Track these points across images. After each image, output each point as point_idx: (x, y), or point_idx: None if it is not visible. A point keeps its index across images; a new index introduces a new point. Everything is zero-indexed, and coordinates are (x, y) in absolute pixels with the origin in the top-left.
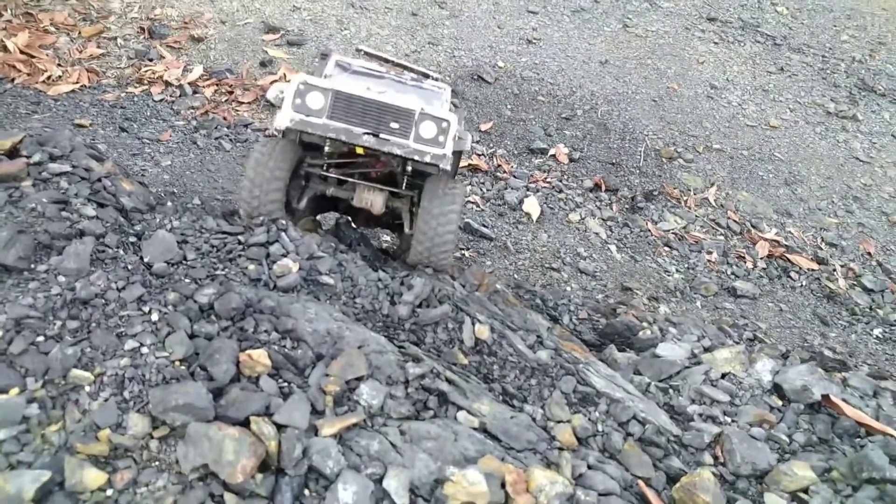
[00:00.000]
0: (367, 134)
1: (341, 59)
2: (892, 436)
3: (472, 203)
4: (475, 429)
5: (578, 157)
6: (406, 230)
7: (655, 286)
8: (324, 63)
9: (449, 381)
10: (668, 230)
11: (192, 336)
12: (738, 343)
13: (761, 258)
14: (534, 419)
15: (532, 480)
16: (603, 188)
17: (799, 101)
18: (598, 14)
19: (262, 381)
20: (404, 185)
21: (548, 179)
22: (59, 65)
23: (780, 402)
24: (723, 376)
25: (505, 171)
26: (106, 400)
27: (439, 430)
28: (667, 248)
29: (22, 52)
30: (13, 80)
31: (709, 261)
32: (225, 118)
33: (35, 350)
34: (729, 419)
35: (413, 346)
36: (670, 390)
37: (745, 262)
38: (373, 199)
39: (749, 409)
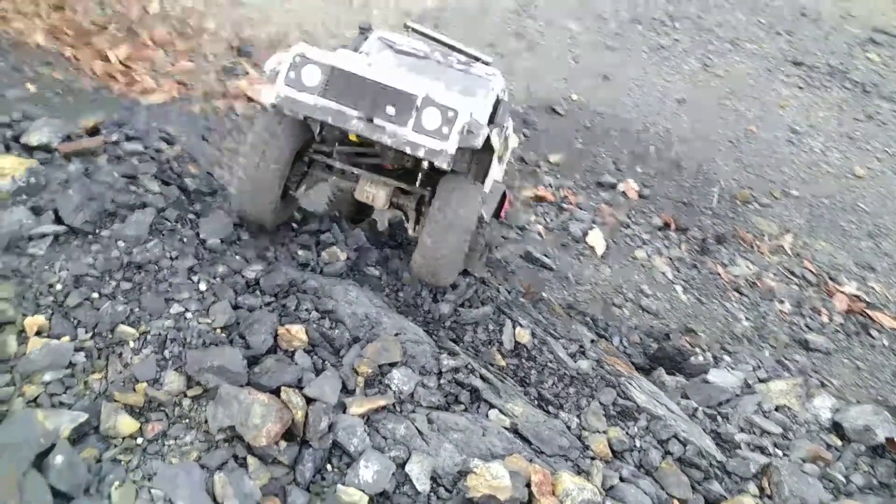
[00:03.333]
0: (360, 118)
1: (385, 35)
2: None
3: (536, 233)
4: (506, 428)
5: (648, 194)
6: (410, 232)
7: (721, 331)
8: (362, 38)
9: (483, 379)
10: (739, 275)
11: (235, 307)
12: (795, 376)
13: (839, 312)
14: (568, 427)
15: (559, 484)
16: (672, 227)
17: (888, 151)
18: (677, 52)
19: (298, 356)
20: (419, 181)
21: (615, 214)
22: (153, 77)
23: (839, 442)
24: (777, 409)
25: (571, 203)
26: (147, 356)
27: (468, 423)
28: (736, 294)
29: (122, 63)
30: (111, 88)
31: (780, 311)
32: None
33: (89, 305)
34: (780, 452)
35: (450, 342)
36: (719, 417)
37: (820, 315)
38: (375, 193)
39: (803, 444)
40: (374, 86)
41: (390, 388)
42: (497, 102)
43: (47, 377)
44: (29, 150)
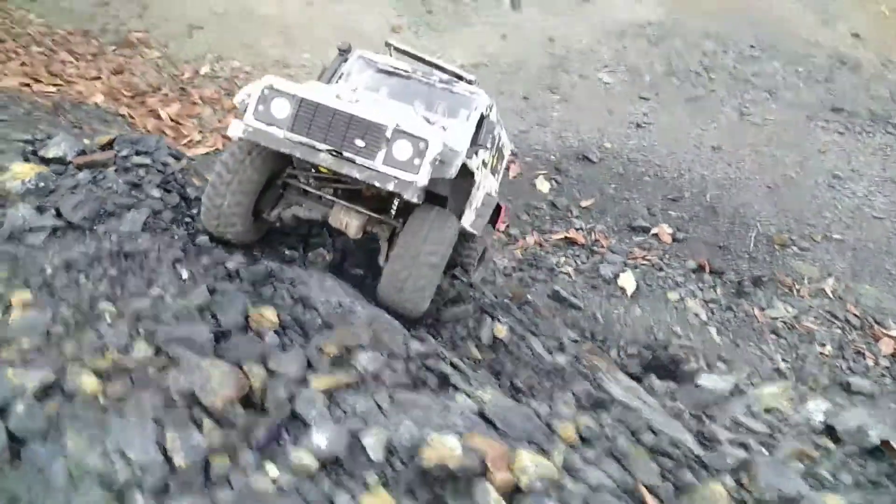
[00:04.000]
0: (329, 151)
1: (366, 55)
2: None
3: (565, 274)
4: (472, 412)
5: (683, 238)
6: (380, 262)
7: (755, 372)
8: (341, 59)
9: (453, 366)
10: (777, 318)
11: (212, 291)
12: (788, 379)
13: (885, 356)
14: (538, 414)
15: (517, 461)
16: (707, 270)
17: None
18: (713, 102)
19: (268, 336)
20: (394, 211)
21: (648, 257)
22: (200, 131)
23: (832, 445)
24: (767, 410)
25: (603, 246)
26: (120, 328)
27: (430, 402)
28: (773, 336)
29: (172, 119)
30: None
31: (821, 353)
32: None
33: (75, 285)
34: (764, 450)
35: (425, 333)
36: (705, 418)
37: (864, 359)
38: (348, 222)
39: (790, 444)
40: (343, 117)
41: (356, 367)
42: (481, 121)
43: (24, 343)
44: (46, 162)
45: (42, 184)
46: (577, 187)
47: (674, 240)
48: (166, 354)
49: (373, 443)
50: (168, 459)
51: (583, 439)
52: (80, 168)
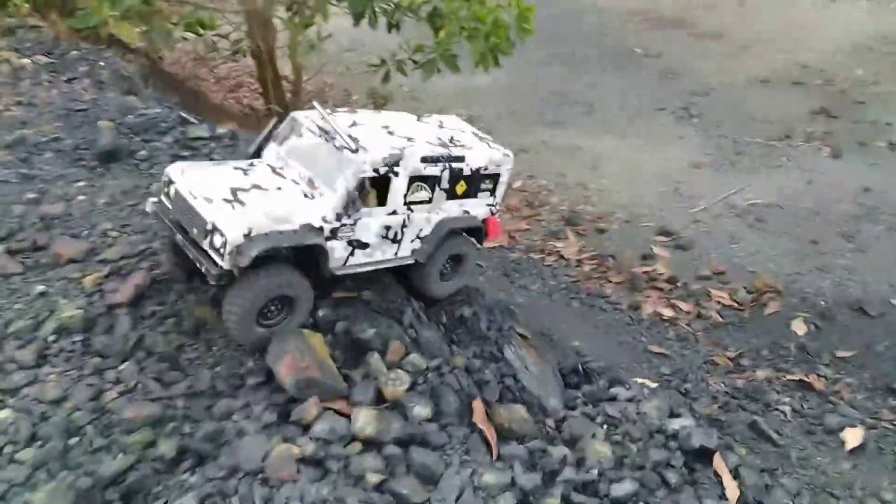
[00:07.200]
0: (181, 232)
1: (298, 116)
2: None
3: (780, 412)
4: (410, 338)
5: None
6: None
7: None
8: (275, 121)
9: (417, 317)
10: None
11: None
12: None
13: None
14: (452, 351)
15: (408, 357)
16: None
17: None
18: None
19: None
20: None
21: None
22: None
23: (668, 443)
24: (638, 413)
25: (842, 398)
26: None
27: (386, 322)
28: None
29: None
30: None
31: None
32: (588, 288)
33: None
34: (602, 425)
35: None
36: (590, 405)
37: None
38: None
39: (624, 427)
40: (190, 209)
41: (361, 297)
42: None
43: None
44: None
45: None
46: (839, 336)
47: None
48: None
49: (342, 326)
50: None
51: (467, 369)
52: None
